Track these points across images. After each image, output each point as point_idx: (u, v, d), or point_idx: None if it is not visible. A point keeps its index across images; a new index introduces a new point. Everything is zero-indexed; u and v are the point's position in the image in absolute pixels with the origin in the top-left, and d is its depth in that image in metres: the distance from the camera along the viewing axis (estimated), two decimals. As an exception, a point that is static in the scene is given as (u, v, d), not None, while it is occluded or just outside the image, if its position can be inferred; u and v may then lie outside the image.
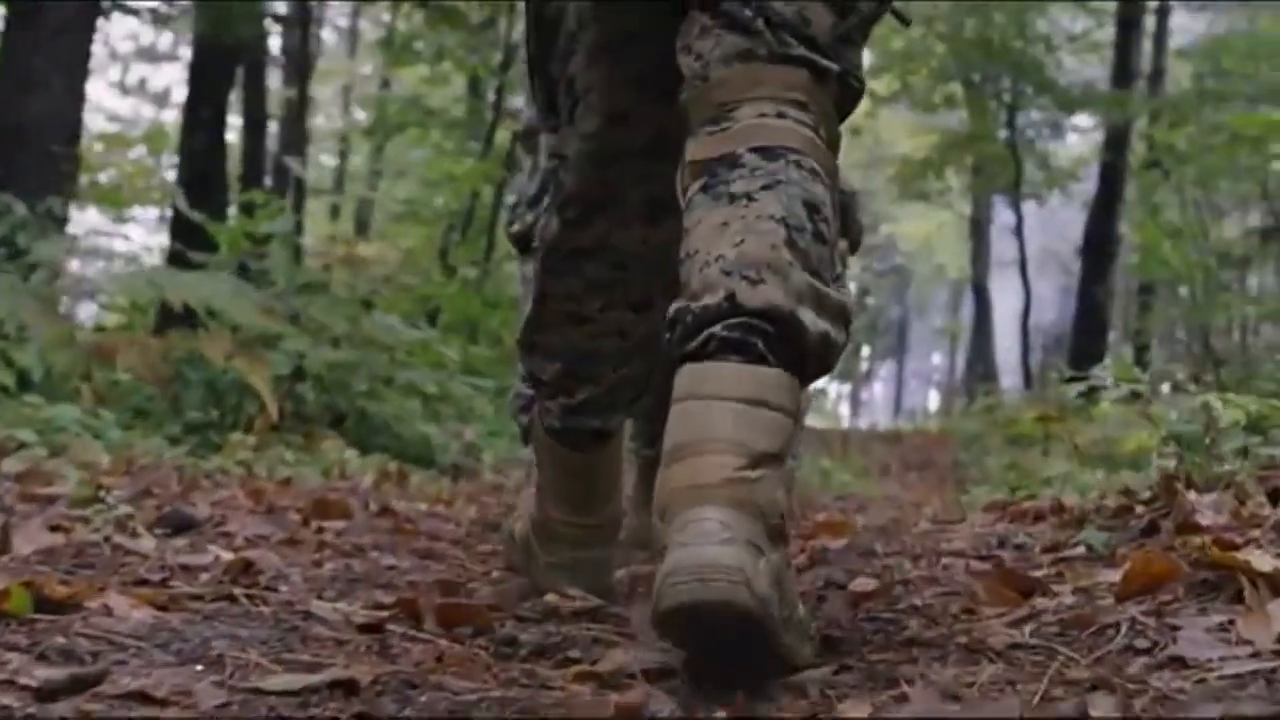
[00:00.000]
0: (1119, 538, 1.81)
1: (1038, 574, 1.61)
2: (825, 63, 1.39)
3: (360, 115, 23.83)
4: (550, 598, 1.64)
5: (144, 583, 1.54)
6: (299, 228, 5.26)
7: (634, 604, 1.69)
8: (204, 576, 1.63)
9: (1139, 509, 2.00)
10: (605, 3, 1.53)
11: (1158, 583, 1.38)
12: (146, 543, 1.80)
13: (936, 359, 37.98)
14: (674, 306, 1.29)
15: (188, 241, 8.66)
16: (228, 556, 1.75)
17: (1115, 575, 1.52)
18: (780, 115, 1.35)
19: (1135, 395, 2.22)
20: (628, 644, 1.43)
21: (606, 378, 1.70)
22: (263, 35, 9.40)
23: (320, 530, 2.27)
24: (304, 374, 4.74)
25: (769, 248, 1.26)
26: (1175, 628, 1.19)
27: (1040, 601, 1.40)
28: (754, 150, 1.32)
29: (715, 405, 1.18)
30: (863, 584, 1.63)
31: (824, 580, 1.77)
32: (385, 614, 1.46)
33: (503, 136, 12.14)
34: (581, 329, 1.66)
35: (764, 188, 1.30)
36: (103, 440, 3.56)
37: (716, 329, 1.23)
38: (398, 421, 5.22)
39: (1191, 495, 1.80)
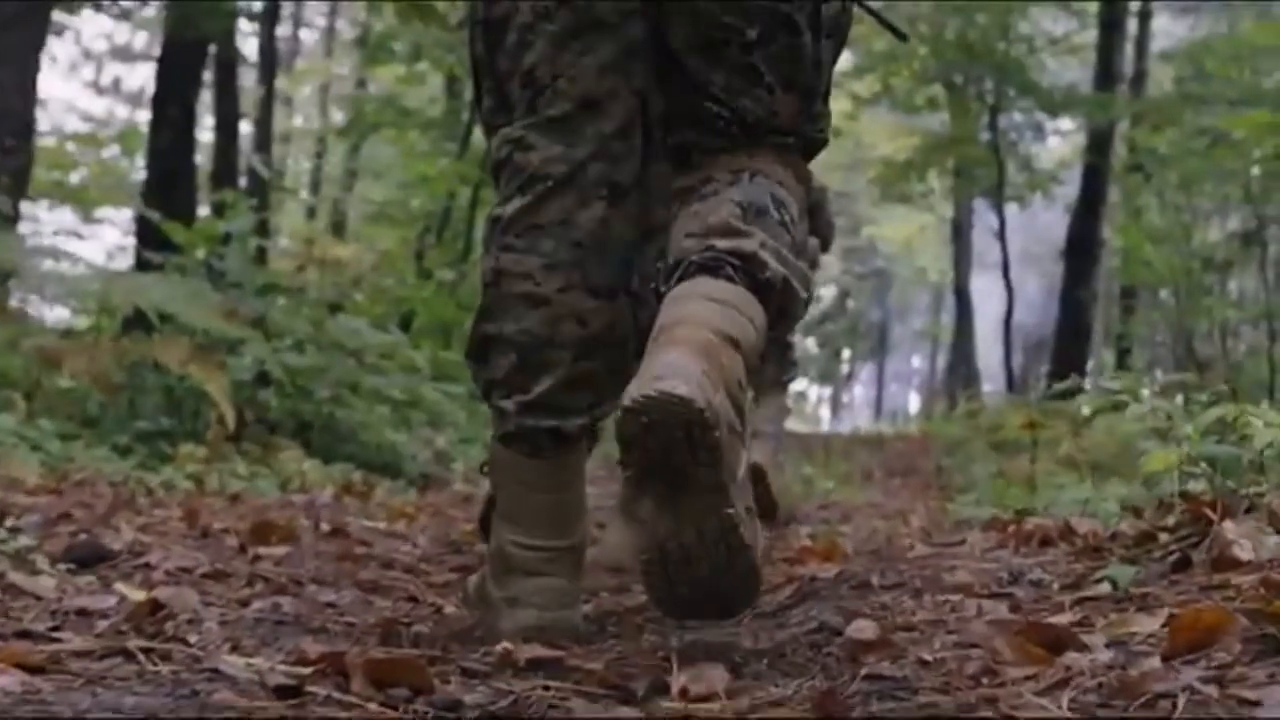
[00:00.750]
0: (1146, 573, 1.61)
1: (1061, 619, 1.41)
2: (792, 140, 1.65)
3: (338, 115, 23.54)
4: (503, 645, 1.43)
5: (26, 635, 1.32)
6: (264, 227, 5.01)
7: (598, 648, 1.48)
8: (101, 624, 1.41)
9: (1163, 537, 1.80)
10: None
11: (1210, 638, 1.18)
12: (45, 581, 1.58)
13: (916, 361, 37.90)
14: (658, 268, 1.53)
15: (152, 243, 8.42)
16: (137, 597, 1.53)
17: (1153, 623, 1.32)
18: (750, 155, 1.61)
19: (1161, 414, 2.03)
20: (590, 707, 1.23)
21: (564, 367, 1.60)
22: (230, 32, 9.15)
23: (256, 559, 2.05)
24: (266, 379, 4.50)
25: (730, 218, 1.51)
26: (1246, 701, 0.99)
27: (1073, 658, 1.19)
28: (728, 171, 1.59)
29: (690, 301, 1.40)
30: (861, 629, 1.42)
31: (817, 623, 1.56)
32: (307, 671, 1.24)
33: (479, 136, 11.91)
34: (538, 312, 1.60)
35: (730, 184, 1.56)
36: (41, 453, 3.33)
37: (694, 258, 1.47)
38: (364, 429, 5.00)
39: (1228, 526, 1.60)
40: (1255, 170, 12.46)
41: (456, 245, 10.13)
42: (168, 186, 8.90)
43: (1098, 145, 15.20)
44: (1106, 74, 15.39)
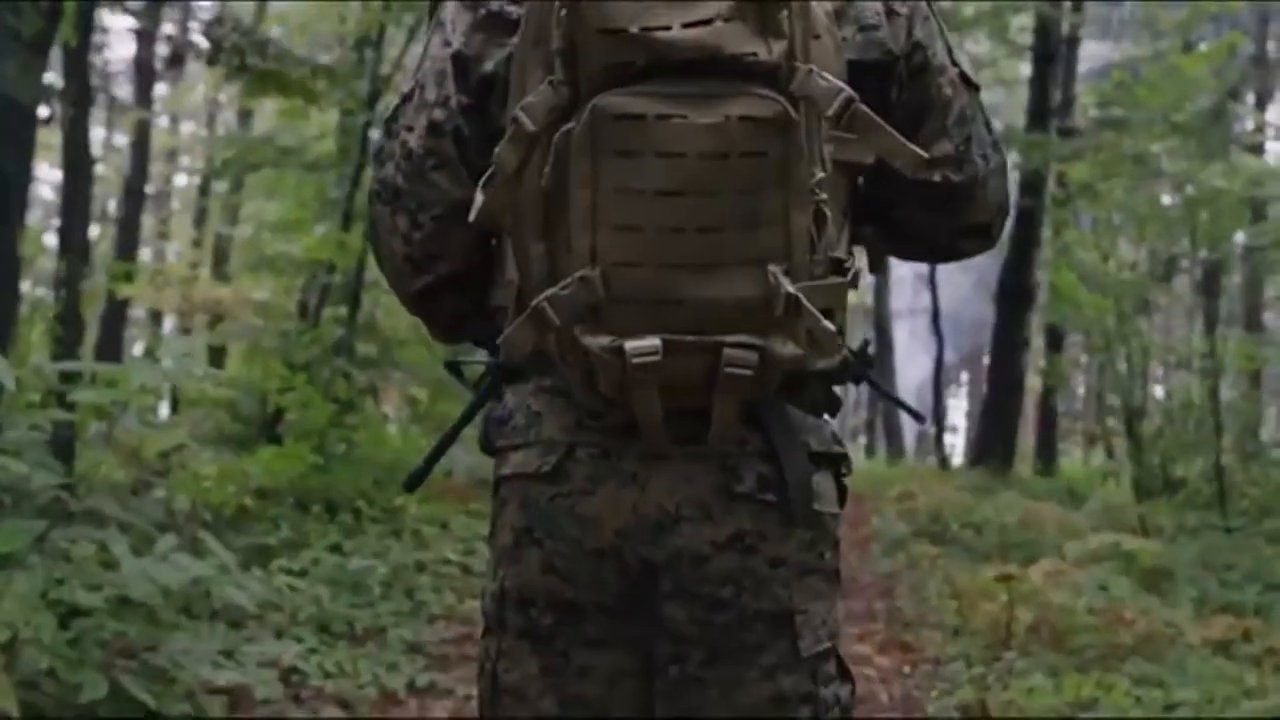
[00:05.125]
0: None
1: None
2: None
3: (224, 127, 22.03)
4: None
5: None
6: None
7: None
8: None
9: None
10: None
11: None
12: None
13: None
14: None
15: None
16: None
17: None
18: None
19: None
20: None
21: None
22: (53, 97, 7.75)
23: None
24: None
25: None
26: None
27: None
28: None
29: None
30: None
31: None
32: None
33: (368, 178, 10.57)
34: None
35: None
36: None
37: None
38: (165, 697, 3.73)
39: None
40: (1169, 200, 11.74)
41: (331, 332, 8.78)
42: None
43: (1030, 186, 14.36)
44: (1040, 110, 14.61)
